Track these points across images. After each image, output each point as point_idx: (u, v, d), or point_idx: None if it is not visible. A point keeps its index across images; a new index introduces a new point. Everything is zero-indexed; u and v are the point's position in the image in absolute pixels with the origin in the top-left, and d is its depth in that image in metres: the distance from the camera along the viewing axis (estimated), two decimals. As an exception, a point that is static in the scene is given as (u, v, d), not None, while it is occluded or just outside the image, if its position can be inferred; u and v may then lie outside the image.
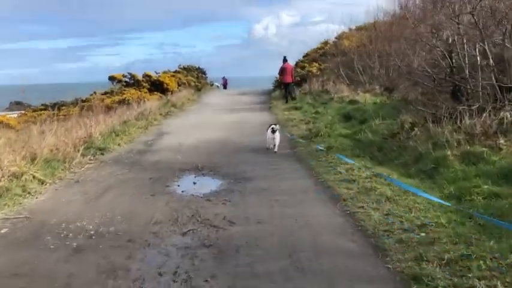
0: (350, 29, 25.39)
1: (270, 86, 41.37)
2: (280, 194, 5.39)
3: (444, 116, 6.93)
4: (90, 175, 6.84)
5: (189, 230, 4.29)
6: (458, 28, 7.71)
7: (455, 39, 7.89)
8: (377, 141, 7.79)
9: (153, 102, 16.96)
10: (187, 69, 29.95)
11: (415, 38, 10.17)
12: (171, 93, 23.86)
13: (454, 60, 8.11)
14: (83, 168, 7.25)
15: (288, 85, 17.15)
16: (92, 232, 4.33)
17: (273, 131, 8.21)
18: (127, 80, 26.38)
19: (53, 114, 10.85)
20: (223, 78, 37.90)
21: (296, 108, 13.87)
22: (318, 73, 18.01)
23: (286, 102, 16.63)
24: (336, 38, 25.12)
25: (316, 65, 18.98)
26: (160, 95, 23.59)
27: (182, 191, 5.78)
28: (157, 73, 27.57)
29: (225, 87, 37.31)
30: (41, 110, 20.84)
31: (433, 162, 6.01)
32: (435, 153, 6.17)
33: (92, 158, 7.98)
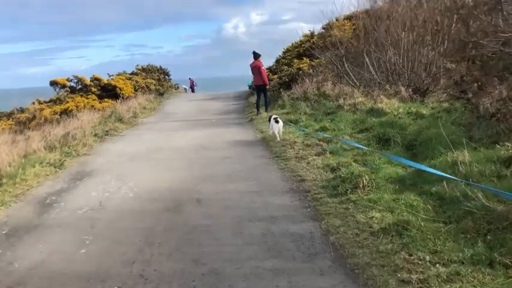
0: (337, 19, 21.62)
1: (245, 87, 37.20)
2: None
3: None
4: None
5: None
6: None
7: None
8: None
9: (90, 115, 12.47)
10: (147, 71, 25.37)
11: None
12: (125, 99, 19.44)
13: None
14: None
15: (259, 90, 12.95)
16: None
17: (277, 121, 8.39)
18: (73, 84, 21.68)
19: None
20: (190, 79, 33.39)
21: (291, 122, 9.71)
22: (310, 71, 13.96)
23: (257, 114, 12.45)
24: (323, 28, 21.27)
25: (306, 61, 14.92)
26: (113, 101, 19.13)
27: None
28: (110, 76, 23.01)
29: (192, 90, 32.86)
30: None
31: None
32: None
33: None
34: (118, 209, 4.90)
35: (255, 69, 12.53)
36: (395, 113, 8.38)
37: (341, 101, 10.16)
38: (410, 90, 9.81)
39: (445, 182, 4.41)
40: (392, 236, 3.58)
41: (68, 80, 21.37)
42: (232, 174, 6.09)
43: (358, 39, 12.77)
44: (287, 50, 22.52)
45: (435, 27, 10.52)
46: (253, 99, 17.27)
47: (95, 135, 10.12)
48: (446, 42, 10.51)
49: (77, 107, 18.02)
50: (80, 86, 21.14)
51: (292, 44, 22.56)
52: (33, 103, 21.42)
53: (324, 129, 8.69)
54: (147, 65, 25.98)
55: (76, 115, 15.06)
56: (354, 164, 5.66)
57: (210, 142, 8.88)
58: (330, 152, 6.45)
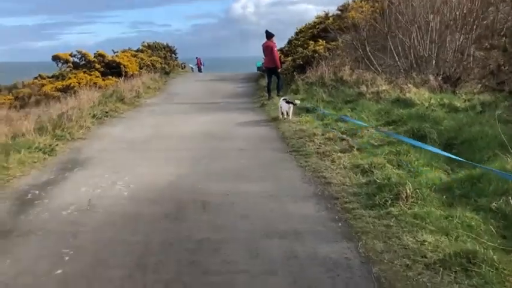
0: (354, 1, 20.46)
1: (253, 69, 36.13)
2: None
3: None
4: None
5: None
6: None
7: None
8: None
9: (90, 93, 11.62)
10: (153, 48, 24.37)
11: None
12: (130, 77, 18.63)
13: None
14: None
15: (270, 72, 11.98)
16: None
17: (287, 102, 8.55)
18: (76, 60, 20.85)
19: None
20: (197, 58, 32.34)
21: (307, 111, 8.83)
22: (327, 54, 12.97)
23: (268, 99, 11.56)
24: (339, 9, 20.13)
25: (322, 43, 13.90)
26: (116, 79, 18.30)
27: None
28: (115, 52, 22.10)
29: (199, 69, 31.85)
30: None
31: None
32: None
33: None
34: (109, 212, 4.10)
35: (267, 49, 11.55)
36: (427, 105, 7.46)
37: (362, 88, 9.23)
38: (440, 79, 8.86)
39: (510, 197, 3.57)
40: (455, 272, 2.75)
41: (71, 55, 20.53)
42: (244, 171, 5.26)
43: (380, 21, 11.74)
44: (300, 31, 21.43)
45: (464, 12, 9.54)
46: (263, 82, 16.35)
47: (93, 116, 9.29)
48: (476, 27, 9.53)
49: (79, 83, 17.23)
50: (83, 62, 20.31)
51: (306, 24, 21.48)
52: (36, 78, 20.64)
53: (345, 120, 7.82)
54: (154, 42, 24.99)
55: (77, 92, 14.29)
56: (388, 165, 4.80)
57: (218, 129, 8.04)
58: (358, 149, 5.58)
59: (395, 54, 10.25)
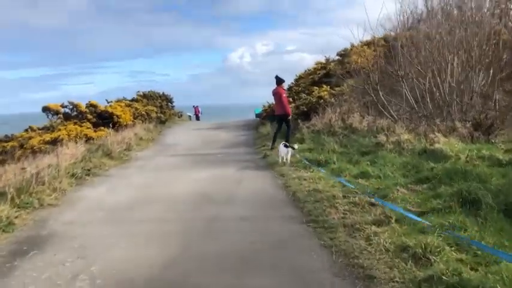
0: (352, 45, 19.91)
1: (252, 115, 35.40)
2: None
3: None
4: None
5: None
6: None
7: None
8: None
9: (74, 147, 10.46)
10: (149, 97, 23.59)
11: None
12: (124, 127, 17.62)
13: None
14: None
15: (280, 120, 10.98)
16: None
17: (285, 146, 8.52)
18: (67, 111, 19.87)
19: None
20: (195, 107, 31.62)
21: (319, 165, 7.63)
22: (332, 100, 11.98)
23: (271, 148, 10.49)
24: (339, 55, 19.53)
25: (326, 88, 12.95)
26: (109, 130, 17.26)
27: None
28: (108, 102, 21.26)
29: (197, 118, 31.03)
30: None
31: None
32: None
33: None
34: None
35: (276, 96, 10.66)
36: (463, 157, 6.28)
37: (380, 137, 8.09)
38: (468, 125, 7.75)
39: None
40: None
41: (62, 106, 19.57)
42: (249, 255, 3.97)
43: (390, 63, 10.83)
44: (299, 77, 20.78)
45: (486, 52, 8.63)
46: (264, 129, 15.31)
47: (73, 175, 8.07)
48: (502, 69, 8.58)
49: (68, 135, 16.13)
50: (75, 113, 19.35)
51: (306, 71, 20.86)
52: (26, 130, 19.62)
53: (365, 175, 6.61)
54: (149, 91, 24.24)
55: (61, 146, 13.22)
56: (447, 247, 3.53)
57: (215, 189, 6.79)
58: (397, 220, 4.31)
59: (410, 99, 9.21)
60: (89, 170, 8.73)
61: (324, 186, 6.19)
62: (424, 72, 9.57)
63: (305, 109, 11.69)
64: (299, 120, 11.70)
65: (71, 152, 10.43)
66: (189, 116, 31.22)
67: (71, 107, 19.65)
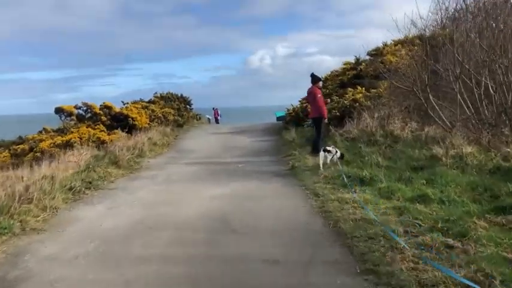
0: (385, 44, 18.41)
1: (273, 119, 34.09)
2: None
3: None
4: None
5: None
6: None
7: None
8: None
9: (78, 154, 9.39)
10: (166, 99, 22.55)
11: None
12: (140, 130, 16.61)
13: None
14: None
15: (316, 124, 9.69)
16: None
17: (327, 151, 7.88)
18: (81, 112, 18.96)
19: None
20: (214, 109, 30.50)
21: (362, 182, 6.27)
22: (369, 104, 10.58)
23: (314, 153, 9.27)
24: (370, 54, 18.05)
25: (361, 90, 11.53)
26: (124, 133, 16.28)
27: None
28: (124, 104, 20.33)
29: (217, 121, 29.90)
30: None
31: None
32: None
33: None
34: None
35: (310, 96, 9.48)
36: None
37: (436, 149, 6.67)
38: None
39: None
40: None
41: (76, 107, 18.64)
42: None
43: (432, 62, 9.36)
44: (325, 79, 19.35)
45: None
46: (288, 135, 13.97)
47: (70, 188, 6.93)
48: None
49: (80, 138, 15.16)
50: (89, 115, 18.41)
51: (332, 72, 19.45)
52: (40, 132, 18.84)
53: (423, 198, 5.24)
54: (167, 93, 23.21)
55: (73, 150, 12.29)
56: None
57: (235, 212, 5.52)
58: (503, 282, 2.95)
59: (469, 104, 7.75)
60: (90, 182, 7.59)
61: (374, 213, 4.83)
62: (479, 72, 8.10)
63: (337, 113, 10.32)
64: (331, 126, 10.34)
65: (75, 159, 9.37)
66: (208, 119, 30.14)
67: (84, 108, 18.74)
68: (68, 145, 14.81)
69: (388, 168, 6.83)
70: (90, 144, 14.29)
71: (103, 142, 14.63)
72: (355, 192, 5.86)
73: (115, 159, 9.41)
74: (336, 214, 5.09)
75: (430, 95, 8.13)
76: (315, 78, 9.76)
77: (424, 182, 5.86)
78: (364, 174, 6.37)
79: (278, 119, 34.98)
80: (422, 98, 8.30)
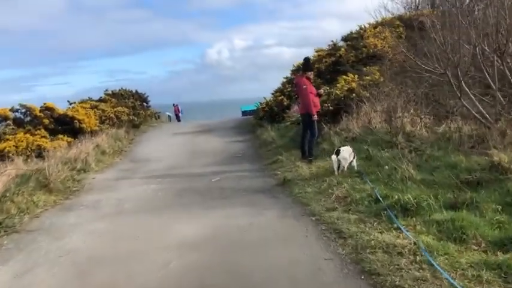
0: (362, 28, 16.63)
1: (238, 113, 31.89)
2: None
3: None
4: None
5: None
6: None
7: None
8: None
9: (2, 172, 6.87)
10: (119, 96, 19.86)
11: None
12: (88, 134, 14.01)
13: None
14: None
15: (304, 123, 7.73)
16: None
17: (337, 153, 6.10)
18: (19, 116, 15.95)
19: None
20: (175, 105, 27.87)
21: (404, 208, 4.26)
22: (367, 94, 8.62)
23: (309, 160, 7.32)
24: (346, 40, 16.21)
25: (354, 77, 9.54)
26: (69, 138, 13.65)
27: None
28: (71, 104, 17.51)
29: (178, 118, 27.37)
30: None
31: None
32: None
33: None
34: None
35: (296, 87, 7.56)
36: None
37: (496, 154, 4.77)
38: None
39: None
40: None
41: (12, 110, 15.58)
42: None
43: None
44: (298, 68, 17.37)
45: None
46: (265, 134, 11.92)
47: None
48: None
49: (17, 147, 12.37)
50: (28, 118, 15.49)
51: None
52: (-28, 140, 15.75)
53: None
54: (120, 90, 20.49)
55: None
56: None
57: (221, 279, 3.39)
58: None
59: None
60: (0, 222, 5.19)
61: (460, 283, 2.83)
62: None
63: (330, 107, 8.31)
64: (322, 123, 8.33)
65: (-11, 183, 6.87)
66: (169, 116, 27.54)
67: (23, 110, 15.75)
68: (0, 156, 12.05)
69: (425, 183, 4.88)
70: (29, 153, 11.69)
71: (44, 150, 11.98)
72: (405, 229, 3.85)
73: (45, 180, 6.95)
74: (393, 282, 3.05)
75: (461, 81, 6.26)
76: (305, 66, 7.79)
77: (499, 208, 3.94)
78: (405, 198, 4.34)
79: (244, 113, 32.78)
80: (454, 85, 6.41)
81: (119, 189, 7.09)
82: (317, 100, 7.64)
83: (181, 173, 8.14)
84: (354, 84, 8.64)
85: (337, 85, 9.14)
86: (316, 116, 7.44)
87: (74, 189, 7.19)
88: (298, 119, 9.29)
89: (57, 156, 8.70)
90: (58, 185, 6.98)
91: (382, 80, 9.28)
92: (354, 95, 8.46)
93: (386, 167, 5.70)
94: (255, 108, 25.59)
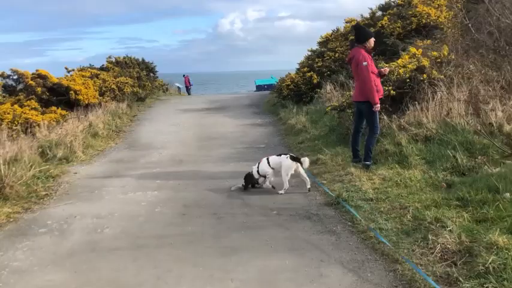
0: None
1: (251, 87, 29.69)
2: None
3: None
4: None
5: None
6: None
7: None
8: None
9: None
10: (123, 65, 17.69)
11: None
12: (86, 107, 12.14)
13: None
14: None
15: (359, 111, 5.62)
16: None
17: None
18: (11, 83, 13.98)
19: None
20: (185, 76, 25.60)
21: None
22: (441, 76, 6.41)
23: (365, 166, 5.25)
24: (383, 9, 13.68)
25: (419, 53, 7.26)
26: (63, 111, 11.66)
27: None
28: (69, 71, 15.47)
29: (188, 90, 25.19)
30: None
31: None
32: None
33: None
34: None
35: (352, 64, 5.35)
36: None
37: None
38: None
39: None
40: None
41: (3, 75, 13.56)
42: None
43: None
44: (326, 39, 14.99)
45: None
46: (292, 117, 9.83)
47: None
48: None
49: (1, 120, 10.41)
50: (21, 86, 13.50)
51: (333, 32, 15.02)
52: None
53: None
54: (124, 57, 18.31)
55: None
56: None
57: None
58: None
59: None
60: None
61: None
62: None
63: (391, 91, 6.11)
64: (382, 113, 6.18)
65: None
66: (178, 88, 25.38)
67: (15, 77, 13.73)
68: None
69: None
70: (15, 128, 9.76)
71: (34, 125, 10.03)
72: None
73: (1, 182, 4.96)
74: None
75: None
76: (360, 34, 5.55)
77: None
78: None
79: (258, 87, 30.42)
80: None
81: (103, 197, 5.10)
82: (379, 82, 5.49)
83: (189, 172, 6.13)
84: (425, 62, 6.42)
85: (396, 62, 6.92)
86: (379, 105, 5.31)
87: (43, 193, 5.21)
88: (341, 104, 7.14)
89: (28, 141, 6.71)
90: (19, 188, 5.01)
91: (452, 57, 7.04)
92: (424, 75, 6.26)
93: (508, 195, 3.62)
94: (272, 83, 23.13)
